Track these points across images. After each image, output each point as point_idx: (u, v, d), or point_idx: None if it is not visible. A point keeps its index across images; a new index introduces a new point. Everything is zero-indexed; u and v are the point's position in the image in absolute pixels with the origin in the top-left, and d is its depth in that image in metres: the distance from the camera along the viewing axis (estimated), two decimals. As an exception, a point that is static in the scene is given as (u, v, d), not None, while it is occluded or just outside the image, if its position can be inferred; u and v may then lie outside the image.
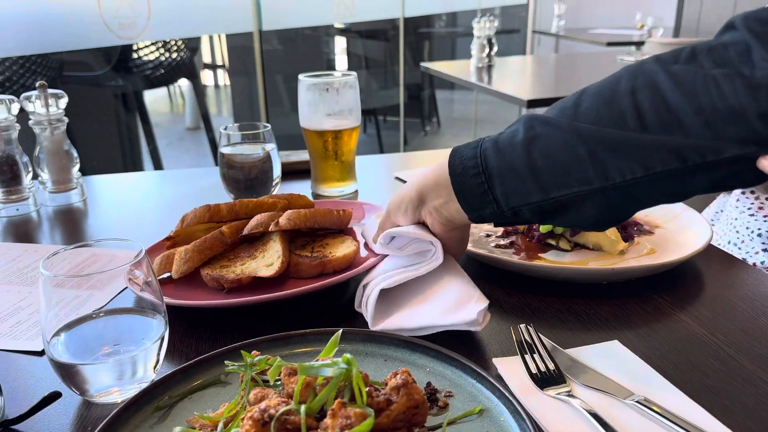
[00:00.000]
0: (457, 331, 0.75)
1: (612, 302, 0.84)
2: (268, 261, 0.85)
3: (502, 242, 1.00)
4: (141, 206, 1.33)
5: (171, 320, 0.77)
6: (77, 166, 1.35)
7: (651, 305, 0.84)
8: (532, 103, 2.53)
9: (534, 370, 0.67)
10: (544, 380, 0.66)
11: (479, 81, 3.08)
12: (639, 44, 4.75)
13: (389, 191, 1.35)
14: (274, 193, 1.29)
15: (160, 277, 0.89)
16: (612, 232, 0.95)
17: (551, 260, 0.94)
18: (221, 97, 8.84)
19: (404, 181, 1.39)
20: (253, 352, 0.63)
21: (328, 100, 1.25)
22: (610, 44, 4.88)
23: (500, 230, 1.04)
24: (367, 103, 5.90)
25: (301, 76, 1.27)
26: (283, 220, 0.88)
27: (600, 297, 0.85)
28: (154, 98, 8.52)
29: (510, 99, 2.66)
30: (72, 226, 1.22)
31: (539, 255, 0.95)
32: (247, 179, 1.23)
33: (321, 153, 1.29)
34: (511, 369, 0.69)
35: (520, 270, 0.90)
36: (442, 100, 6.88)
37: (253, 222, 0.91)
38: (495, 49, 3.45)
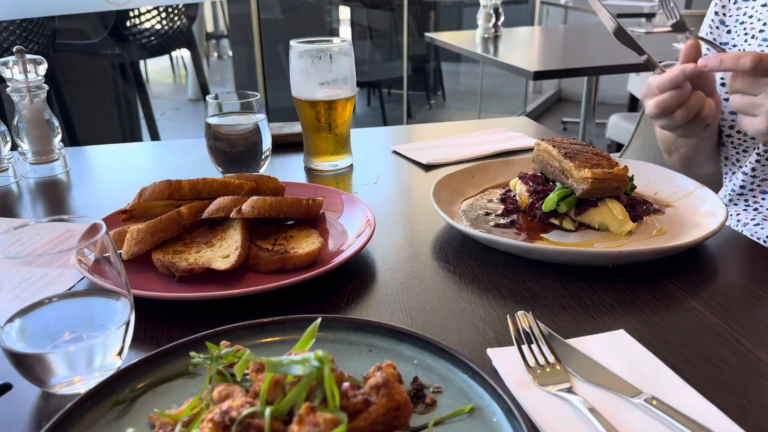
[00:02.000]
0: (450, 317, 0.70)
1: (618, 287, 0.78)
2: (225, 251, 0.79)
3: (502, 221, 0.93)
4: (128, 179, 1.27)
5: (142, 303, 0.71)
6: (59, 137, 1.29)
7: (660, 291, 0.77)
8: (539, 75, 2.44)
9: (531, 363, 0.62)
10: (543, 374, 0.60)
11: (485, 52, 2.98)
12: (650, 16, 4.61)
13: (386, 166, 1.28)
14: (263, 167, 1.22)
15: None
16: (620, 211, 0.89)
17: (554, 241, 0.88)
18: (225, 69, 8.71)
19: (403, 156, 1.33)
20: (222, 342, 0.57)
21: (321, 68, 1.18)
22: (620, 16, 4.74)
23: (500, 208, 0.98)
24: (371, 75, 5.78)
25: (292, 42, 1.19)
26: (246, 207, 0.82)
27: (605, 281, 0.79)
28: (157, 69, 8.42)
29: (516, 71, 2.57)
30: (54, 199, 1.17)
31: (541, 235, 0.89)
32: (234, 152, 1.17)
33: (313, 125, 1.22)
34: (507, 361, 0.63)
35: (519, 252, 0.83)
36: (448, 73, 6.75)
37: (213, 205, 0.84)
38: (502, 19, 3.34)
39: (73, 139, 2.62)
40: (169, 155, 1.45)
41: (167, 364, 0.59)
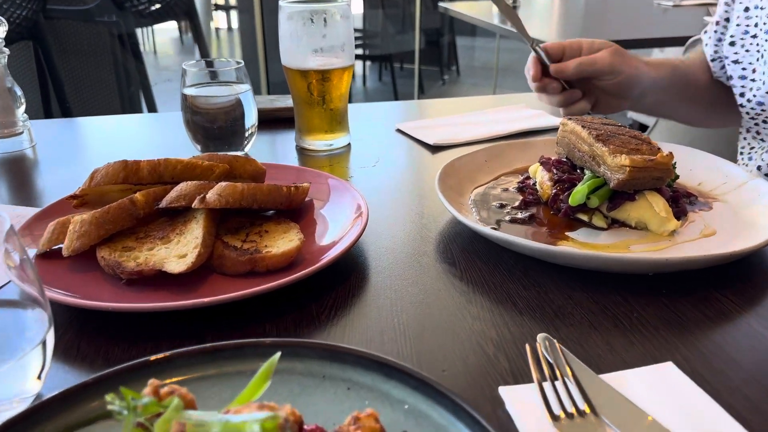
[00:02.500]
0: (455, 339, 0.56)
1: (660, 302, 0.64)
2: (182, 249, 0.65)
3: (519, 215, 0.79)
4: (103, 155, 1.13)
5: (79, 312, 0.58)
6: (23, 108, 1.15)
7: (713, 309, 0.63)
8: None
9: (557, 411, 0.48)
10: (571, 427, 0.46)
11: (502, 23, 2.80)
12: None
13: (388, 147, 1.13)
14: (248, 146, 1.08)
15: (54, 248, 0.69)
16: (662, 207, 0.74)
17: (581, 242, 0.73)
18: (234, 40, 8.53)
19: (407, 135, 1.18)
20: (150, 381, 0.44)
21: (314, 33, 1.03)
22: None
23: (518, 199, 0.83)
24: (383, 48, 5.59)
25: (282, 2, 1.04)
26: (212, 195, 0.68)
27: (645, 294, 0.65)
28: (165, 39, 8.26)
29: (535, 43, 2.40)
30: (13, 178, 1.03)
31: (566, 234, 0.75)
32: (214, 127, 1.03)
33: (305, 98, 1.07)
34: (524, 405, 0.49)
35: (540, 255, 0.69)
36: (463, 47, 6.54)
37: (174, 192, 0.71)
38: (521, -11, 3.14)
39: (65, 112, 2.48)
40: (152, 129, 1.31)
41: (85, 403, 0.46)
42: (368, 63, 6.04)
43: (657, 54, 3.83)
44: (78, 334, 0.59)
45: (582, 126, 0.82)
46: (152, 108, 2.95)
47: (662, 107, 1.19)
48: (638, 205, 0.75)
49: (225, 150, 1.05)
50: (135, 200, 0.70)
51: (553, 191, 0.79)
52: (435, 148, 1.11)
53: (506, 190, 0.87)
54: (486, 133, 1.16)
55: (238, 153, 0.97)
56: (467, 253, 0.73)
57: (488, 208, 0.81)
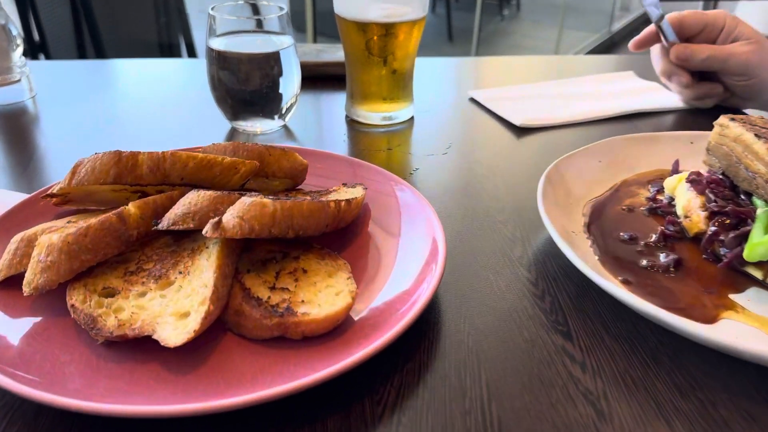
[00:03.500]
0: None
1: None
2: (183, 303, 0.45)
3: (660, 260, 0.56)
4: (116, 112, 0.93)
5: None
6: (19, 50, 0.95)
7: None
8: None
9: None
10: None
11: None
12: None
13: (460, 123, 0.90)
14: (289, 115, 0.86)
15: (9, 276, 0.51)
16: None
17: (755, 314, 0.50)
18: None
19: (481, 105, 0.94)
20: None
21: (379, -27, 0.79)
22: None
23: (650, 228, 0.60)
24: (439, -22, 5.17)
25: (338, -70, 0.80)
26: (231, 219, 0.47)
27: None
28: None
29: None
30: (9, 140, 0.84)
31: (730, 298, 0.52)
32: (244, 90, 0.81)
33: (361, 57, 0.84)
34: None
35: (699, 341, 0.47)
36: (525, -20, 6.03)
37: (180, 208, 0.50)
38: None
39: (99, 53, 2.26)
40: (190, 79, 1.10)
41: None
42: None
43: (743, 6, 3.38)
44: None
45: (755, 135, 0.57)
46: (192, 53, 2.69)
47: None
48: None
49: (260, 118, 0.84)
50: (125, 215, 0.50)
51: (711, 229, 0.56)
52: (522, 130, 0.87)
53: (631, 210, 0.64)
54: (586, 111, 0.91)
55: (272, 143, 0.75)
56: (587, 319, 0.51)
57: (612, 241, 0.59)
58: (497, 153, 0.81)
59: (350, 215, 0.56)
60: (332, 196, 0.59)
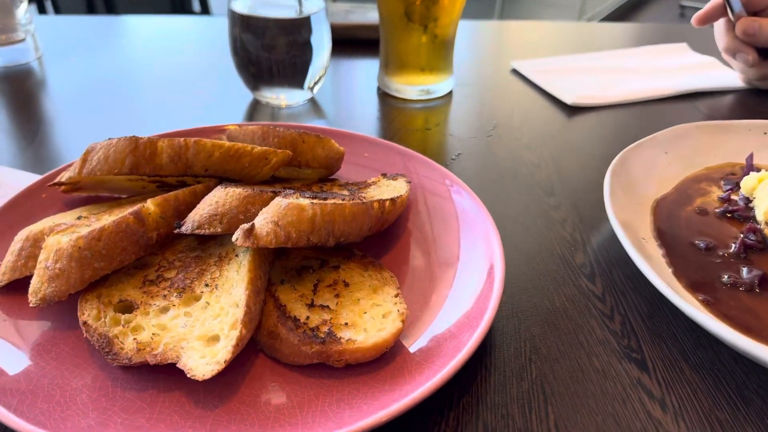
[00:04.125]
0: None
1: None
2: (211, 325, 0.39)
3: (740, 276, 0.49)
4: (123, 74, 0.86)
5: None
6: (24, 5, 0.87)
7: None
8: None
9: None
10: None
11: None
12: None
13: (504, 98, 0.83)
14: (317, 87, 0.79)
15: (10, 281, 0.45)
16: None
17: None
18: None
19: (525, 78, 0.86)
20: None
21: (423, -70, 0.70)
22: None
23: (728, 234, 0.54)
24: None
25: None
26: (265, 224, 0.41)
27: None
28: None
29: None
30: (15, 103, 0.78)
31: (828, 324, 0.46)
32: (270, 59, 0.74)
33: (399, 20, 0.76)
34: None
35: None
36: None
37: (205, 208, 0.44)
38: None
39: (110, 8, 2.15)
40: (206, 37, 1.02)
41: None
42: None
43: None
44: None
45: None
46: (205, 9, 2.54)
47: None
48: None
49: (286, 88, 0.77)
50: (144, 215, 0.44)
51: (804, 242, 0.49)
52: (573, 109, 0.80)
53: (704, 212, 0.57)
54: (641, 90, 0.83)
55: (305, 128, 0.68)
56: (663, 344, 0.46)
57: (686, 250, 0.52)
58: (547, 135, 0.74)
59: (394, 216, 0.50)
60: (372, 192, 0.53)
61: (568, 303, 0.49)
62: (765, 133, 0.67)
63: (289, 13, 0.72)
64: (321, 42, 0.75)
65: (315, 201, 0.44)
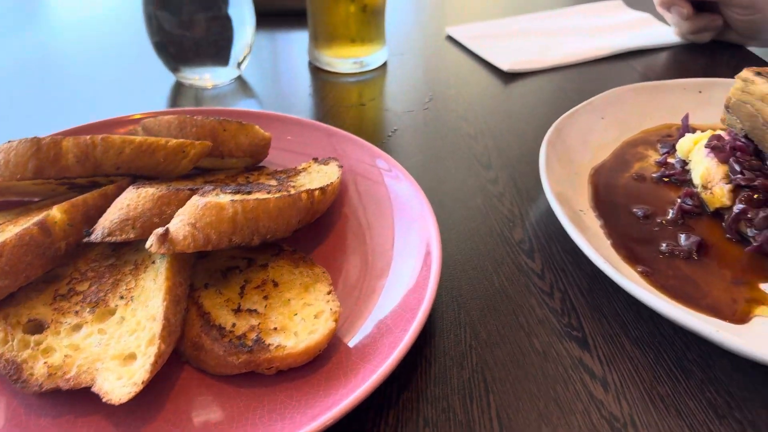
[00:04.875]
0: None
1: None
2: (127, 342, 0.36)
3: (678, 243, 0.49)
4: (33, 55, 0.79)
5: None
6: None
7: None
8: None
9: None
10: None
11: None
12: None
13: (440, 69, 0.80)
14: (244, 64, 0.75)
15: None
16: None
17: (791, 308, 0.45)
18: None
19: (461, 45, 0.84)
20: None
21: None
22: None
23: (666, 201, 0.54)
24: None
25: None
26: (182, 227, 0.38)
27: None
28: None
29: None
30: None
31: (761, 288, 0.46)
32: (189, 37, 0.69)
33: (326, -6, 0.73)
34: None
35: (729, 348, 0.41)
36: None
37: (114, 212, 0.41)
38: None
39: None
40: (126, 13, 0.95)
41: None
42: None
43: None
44: None
45: (791, 93, 0.50)
46: None
47: None
48: None
49: (209, 66, 0.72)
50: (50, 225, 0.40)
51: (737, 207, 0.49)
52: (510, 75, 0.78)
53: (641, 178, 0.57)
54: (578, 52, 0.82)
55: (228, 114, 0.65)
56: (604, 320, 0.45)
57: (625, 219, 0.51)
58: (484, 105, 0.72)
59: (325, 205, 0.47)
60: (302, 179, 0.50)
61: (507, 282, 0.48)
62: (700, 92, 0.67)
63: (206, -15, 0.68)
64: (243, 16, 0.70)
65: (236, 197, 0.41)
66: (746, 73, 0.55)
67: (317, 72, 0.78)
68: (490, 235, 0.52)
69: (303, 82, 0.76)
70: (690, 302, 0.44)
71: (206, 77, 0.73)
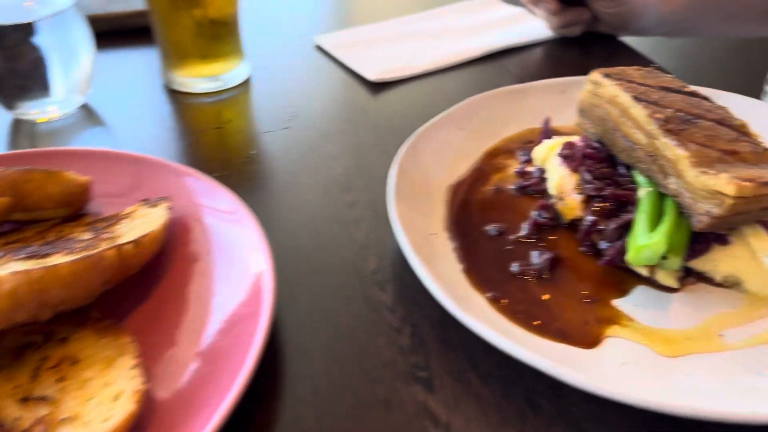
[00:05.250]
0: None
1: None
2: None
3: (531, 262, 0.47)
4: None
5: None
6: None
7: None
8: None
9: None
10: None
11: None
12: None
13: (304, 82, 0.76)
14: (84, 95, 0.68)
15: None
16: (769, 254, 0.44)
17: (640, 325, 0.43)
18: None
19: (328, 55, 0.80)
20: None
21: None
22: None
23: (522, 215, 0.51)
24: None
25: None
26: None
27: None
28: None
29: None
30: None
31: (612, 305, 0.44)
32: (16, 70, 0.62)
33: (167, 5, 0.67)
34: None
35: (573, 384, 0.39)
36: None
37: None
38: None
39: None
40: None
41: None
42: None
43: None
44: None
45: (634, 97, 0.48)
46: None
47: (684, 32, 0.88)
48: (732, 253, 0.45)
49: (44, 99, 0.66)
50: None
51: (588, 218, 0.47)
52: (378, 85, 0.75)
53: (500, 191, 0.54)
54: (449, 55, 0.80)
55: (41, 157, 0.59)
56: (452, 354, 0.42)
57: (478, 239, 0.49)
58: (350, 120, 0.68)
59: (142, 259, 0.42)
60: (123, 228, 0.45)
61: (356, 322, 0.44)
62: (563, 92, 0.66)
63: (28, 15, 0.61)
64: (77, 41, 0.64)
65: (25, 265, 0.36)
66: (595, 75, 0.53)
67: (173, 94, 0.72)
68: (341, 267, 0.49)
69: (158, 104, 0.71)
70: (539, 328, 0.42)
71: (49, 109, 0.66)
